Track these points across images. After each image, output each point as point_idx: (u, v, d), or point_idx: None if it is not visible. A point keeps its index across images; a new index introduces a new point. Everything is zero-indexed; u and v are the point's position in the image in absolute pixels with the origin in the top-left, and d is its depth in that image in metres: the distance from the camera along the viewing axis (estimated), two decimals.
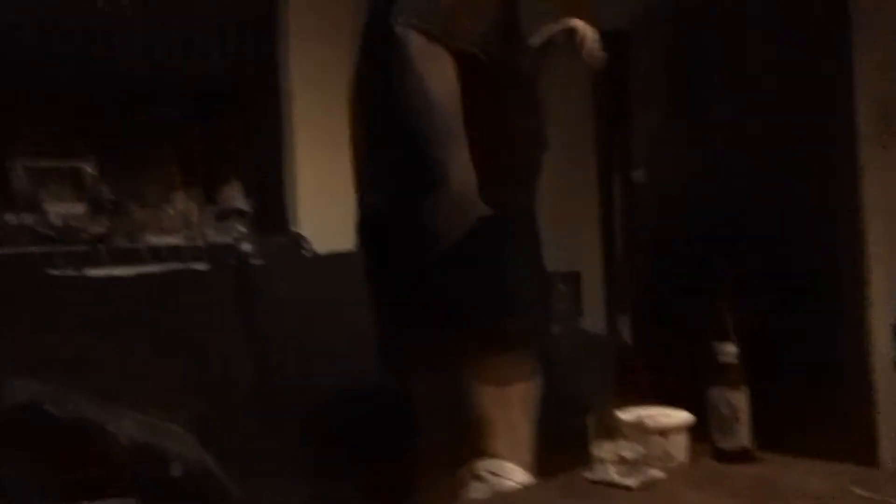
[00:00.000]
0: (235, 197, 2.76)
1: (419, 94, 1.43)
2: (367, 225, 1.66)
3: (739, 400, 1.45)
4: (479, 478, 1.51)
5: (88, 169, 2.59)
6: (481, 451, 1.53)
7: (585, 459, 1.42)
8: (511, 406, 1.53)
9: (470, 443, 1.55)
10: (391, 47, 1.45)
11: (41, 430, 1.61)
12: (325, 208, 2.82)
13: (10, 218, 2.32)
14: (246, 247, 2.66)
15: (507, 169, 1.56)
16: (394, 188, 1.59)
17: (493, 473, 1.49)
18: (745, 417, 1.45)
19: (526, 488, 1.44)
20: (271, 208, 2.87)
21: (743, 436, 1.45)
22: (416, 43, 1.42)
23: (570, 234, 3.42)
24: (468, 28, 1.47)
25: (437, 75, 1.43)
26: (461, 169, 1.44)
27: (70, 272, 2.27)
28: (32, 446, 1.62)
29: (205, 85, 2.89)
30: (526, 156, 1.64)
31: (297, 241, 2.80)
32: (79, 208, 2.43)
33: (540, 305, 1.66)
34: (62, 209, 2.39)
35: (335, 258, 2.59)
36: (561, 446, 1.58)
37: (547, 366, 1.62)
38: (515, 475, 1.49)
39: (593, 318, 3.53)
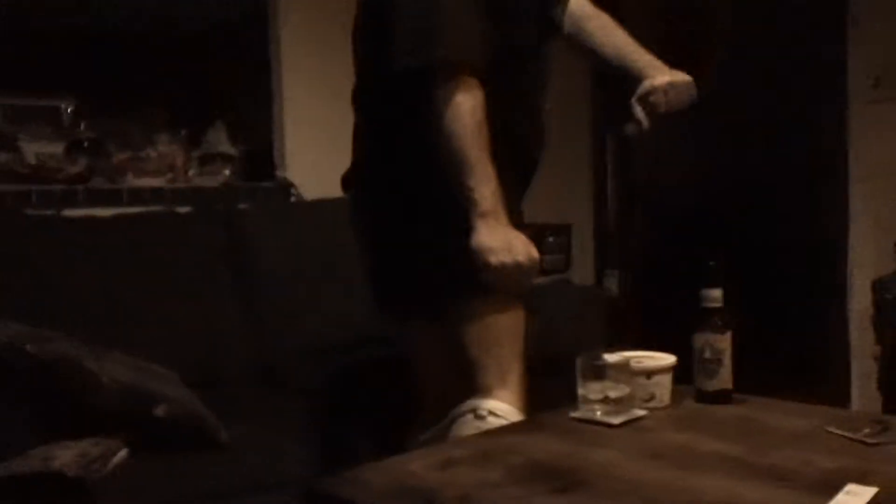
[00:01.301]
0: (221, 140, 2.71)
1: (455, 132, 1.41)
2: (356, 175, 1.64)
3: (723, 344, 1.46)
4: (468, 416, 1.51)
5: (66, 108, 2.54)
6: (471, 390, 1.53)
7: (571, 399, 1.42)
8: (499, 344, 1.53)
9: (460, 382, 1.55)
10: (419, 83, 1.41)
11: (22, 370, 1.59)
12: (313, 154, 2.79)
13: None
14: (232, 191, 2.62)
15: (510, 173, 1.53)
16: (382, 140, 1.58)
17: (482, 412, 1.49)
18: (728, 361, 1.47)
19: (510, 426, 1.44)
20: (259, 153, 2.82)
21: (725, 378, 1.47)
22: (453, 84, 1.40)
23: (562, 187, 3.40)
24: (479, 48, 1.43)
25: (472, 110, 1.41)
26: (491, 195, 1.42)
27: (46, 212, 2.23)
28: (13, 386, 1.60)
29: (194, 25, 2.83)
30: (528, 157, 1.64)
31: (285, 186, 2.77)
32: (56, 147, 2.37)
33: None
34: (38, 148, 2.34)
35: (322, 204, 2.56)
36: (548, 388, 1.58)
37: (532, 307, 1.61)
38: (504, 413, 1.49)
39: (583, 271, 3.53)
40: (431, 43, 1.40)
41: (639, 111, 1.64)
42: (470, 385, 1.54)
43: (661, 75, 1.65)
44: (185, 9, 2.63)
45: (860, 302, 2.86)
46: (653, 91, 1.63)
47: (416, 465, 1.21)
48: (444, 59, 1.40)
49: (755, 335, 2.15)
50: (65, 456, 1.43)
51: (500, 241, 1.42)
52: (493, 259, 1.42)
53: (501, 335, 1.53)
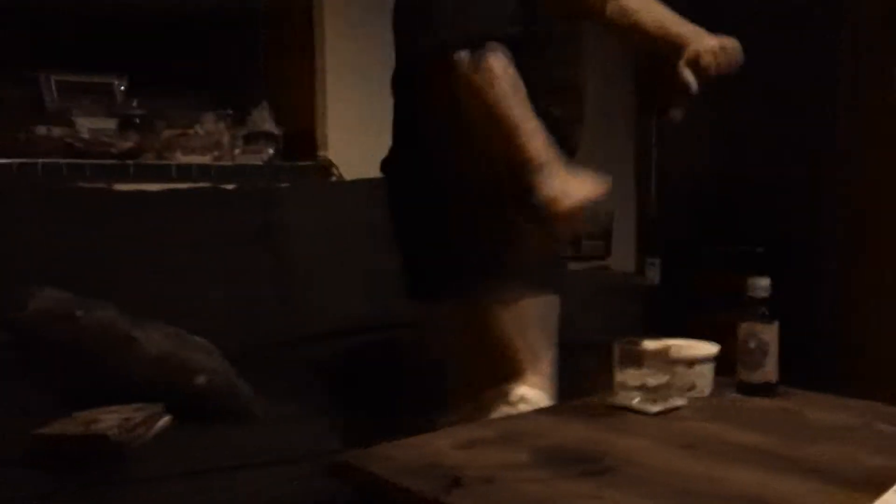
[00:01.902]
0: (265, 119, 2.74)
1: (492, 97, 1.39)
2: (394, 156, 1.65)
3: (768, 334, 1.43)
4: (498, 402, 1.50)
5: (119, 85, 2.58)
6: (502, 375, 1.52)
7: (608, 386, 1.41)
8: (532, 328, 1.52)
9: (491, 367, 1.54)
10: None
11: (68, 334, 1.63)
12: (355, 135, 2.80)
13: (41, 129, 2.32)
14: (273, 169, 2.65)
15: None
16: (418, 123, 1.57)
17: (514, 398, 1.49)
18: (773, 352, 1.43)
19: (540, 410, 1.43)
20: (302, 133, 2.85)
21: (769, 370, 1.44)
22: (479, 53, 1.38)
23: (604, 172, 3.36)
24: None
25: (503, 69, 1.39)
26: (543, 146, 1.40)
27: (98, 185, 2.27)
28: (60, 351, 1.64)
29: (239, 6, 2.85)
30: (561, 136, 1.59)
31: (326, 165, 2.78)
32: (109, 123, 2.42)
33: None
34: (92, 123, 2.39)
35: (362, 184, 2.57)
36: (585, 374, 1.57)
37: (562, 291, 1.60)
38: (536, 399, 1.48)
39: (624, 259, 3.49)
40: (466, 16, 1.39)
41: (688, 74, 1.60)
42: (501, 370, 1.53)
43: (709, 39, 1.62)
44: None
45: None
46: (703, 54, 1.59)
47: (442, 443, 1.20)
48: (474, 32, 1.38)
49: (805, 326, 2.11)
50: (109, 420, 1.47)
51: (565, 185, 1.37)
52: (563, 206, 1.36)
53: (534, 320, 1.52)
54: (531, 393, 1.49)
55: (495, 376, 1.53)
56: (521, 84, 1.41)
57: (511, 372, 1.52)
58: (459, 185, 1.51)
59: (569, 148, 1.61)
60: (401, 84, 1.61)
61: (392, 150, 1.65)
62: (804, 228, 3.12)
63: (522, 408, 1.47)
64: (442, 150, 1.53)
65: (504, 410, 1.48)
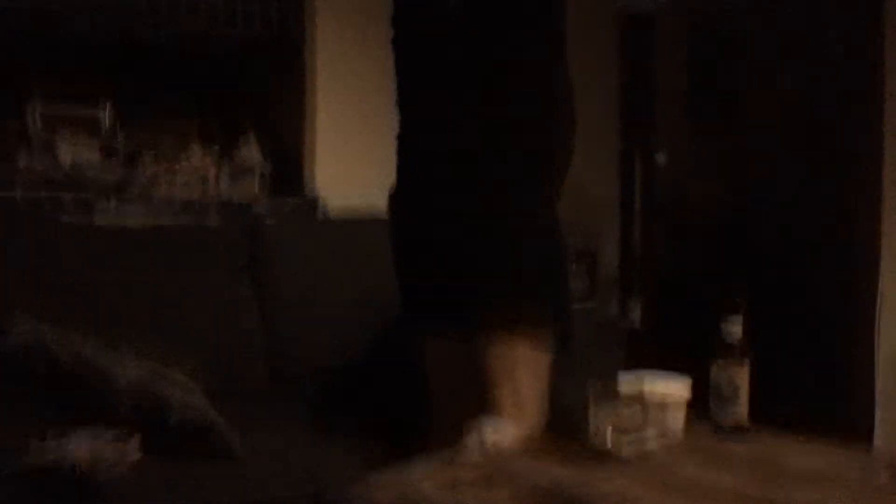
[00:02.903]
0: (253, 155, 2.75)
1: None
2: (400, 196, 1.67)
3: (740, 377, 1.45)
4: (475, 440, 1.51)
5: (105, 116, 2.59)
6: (484, 413, 1.53)
7: (583, 427, 1.41)
8: (519, 368, 1.53)
9: (475, 404, 1.55)
10: None
11: (44, 369, 1.62)
12: (342, 172, 2.81)
13: (23, 160, 2.31)
14: (260, 206, 2.66)
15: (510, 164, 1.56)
16: (429, 163, 1.61)
17: (489, 435, 1.49)
18: (745, 394, 1.45)
19: (520, 450, 1.44)
20: (288, 169, 2.86)
21: (741, 412, 1.45)
22: None
23: (587, 211, 3.39)
24: None
25: None
26: None
27: (79, 219, 2.27)
28: (34, 383, 1.63)
29: (227, 42, 2.88)
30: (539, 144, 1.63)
31: (312, 203, 2.79)
32: (93, 156, 2.42)
33: (556, 281, 1.65)
34: (75, 155, 2.39)
35: (349, 222, 2.58)
36: (561, 413, 1.58)
37: (564, 341, 1.61)
38: (512, 439, 1.48)
39: (604, 298, 3.51)
40: None
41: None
42: (484, 408, 1.54)
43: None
44: (220, 23, 2.68)
45: (889, 341, 2.81)
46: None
47: (424, 483, 1.21)
48: None
49: (777, 363, 2.13)
50: (79, 451, 1.45)
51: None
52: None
53: (524, 360, 1.53)
54: (509, 432, 1.50)
55: (477, 414, 1.54)
56: None
57: (493, 409, 1.52)
58: (465, 214, 1.54)
59: (545, 157, 1.61)
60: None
61: (399, 175, 1.67)
62: (793, 270, 3.13)
63: (499, 448, 1.47)
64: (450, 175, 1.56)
65: (480, 450, 1.48)
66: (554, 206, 1.65)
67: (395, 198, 1.69)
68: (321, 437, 1.93)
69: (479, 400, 1.56)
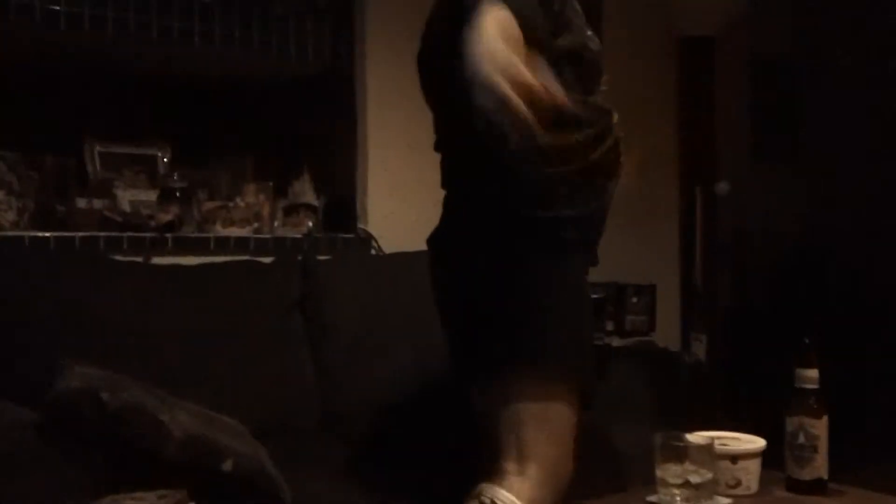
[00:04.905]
0: (306, 192, 2.75)
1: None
2: (440, 241, 1.65)
3: (818, 429, 1.36)
4: (472, 501, 1.45)
5: (163, 156, 2.62)
6: (487, 470, 1.47)
7: (648, 481, 1.34)
8: (523, 426, 1.46)
9: (485, 459, 1.50)
10: None
11: (93, 418, 1.61)
12: (395, 208, 2.80)
13: (81, 202, 2.34)
14: (313, 241, 2.65)
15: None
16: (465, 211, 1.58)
17: (485, 499, 1.43)
18: (823, 447, 1.36)
19: None
20: (341, 205, 2.85)
21: (820, 466, 1.36)
22: None
23: (647, 244, 3.31)
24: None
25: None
26: None
27: (135, 258, 2.28)
28: (84, 434, 1.62)
29: (280, 78, 2.90)
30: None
31: (365, 239, 2.78)
32: (150, 195, 2.45)
33: (576, 339, 1.58)
34: (133, 195, 2.41)
35: (402, 258, 2.55)
36: (623, 465, 1.50)
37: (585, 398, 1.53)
38: (507, 502, 1.41)
39: (668, 334, 3.40)
40: None
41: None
42: (488, 464, 1.48)
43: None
44: (273, 59, 2.70)
45: None
46: None
47: None
48: None
49: (855, 416, 2.02)
50: None
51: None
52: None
53: (529, 418, 1.46)
54: (506, 497, 1.42)
55: (483, 469, 1.49)
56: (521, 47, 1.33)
57: (495, 469, 1.47)
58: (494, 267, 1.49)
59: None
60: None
61: (441, 221, 1.64)
62: (867, 308, 2.99)
63: None
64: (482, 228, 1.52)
65: None
66: (585, 267, 1.60)
67: (430, 242, 1.66)
68: (373, 478, 1.87)
69: (485, 455, 1.50)
